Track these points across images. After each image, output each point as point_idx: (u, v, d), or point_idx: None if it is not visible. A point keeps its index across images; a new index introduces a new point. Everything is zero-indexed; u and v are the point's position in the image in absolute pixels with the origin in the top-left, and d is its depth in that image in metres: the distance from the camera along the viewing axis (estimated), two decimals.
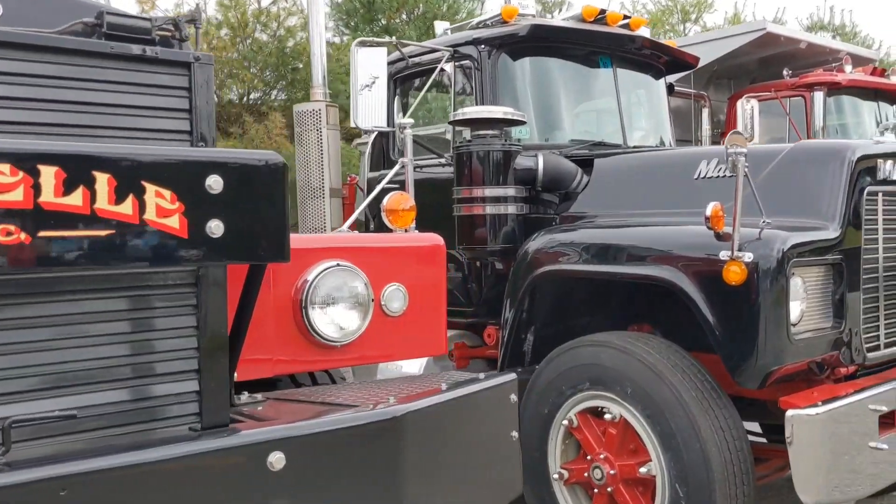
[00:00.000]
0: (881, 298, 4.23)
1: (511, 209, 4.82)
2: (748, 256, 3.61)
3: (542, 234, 4.58)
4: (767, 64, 10.12)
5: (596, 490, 4.19)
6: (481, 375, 2.46)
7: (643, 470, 3.94)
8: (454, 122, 4.86)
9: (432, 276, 2.69)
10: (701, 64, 9.66)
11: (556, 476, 4.35)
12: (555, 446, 4.41)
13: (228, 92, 14.71)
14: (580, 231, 4.51)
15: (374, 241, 2.67)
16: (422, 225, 5.46)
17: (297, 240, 2.26)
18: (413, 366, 5.24)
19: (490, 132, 4.79)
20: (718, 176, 4.40)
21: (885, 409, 3.85)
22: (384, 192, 5.89)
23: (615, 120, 5.68)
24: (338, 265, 2.44)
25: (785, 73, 9.43)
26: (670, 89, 9.43)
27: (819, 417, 3.53)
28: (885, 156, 4.25)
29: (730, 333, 3.70)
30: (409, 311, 2.60)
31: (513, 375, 2.49)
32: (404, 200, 2.97)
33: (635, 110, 6.04)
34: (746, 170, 3.68)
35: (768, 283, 3.60)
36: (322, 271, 2.41)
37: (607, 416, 4.09)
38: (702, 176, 4.44)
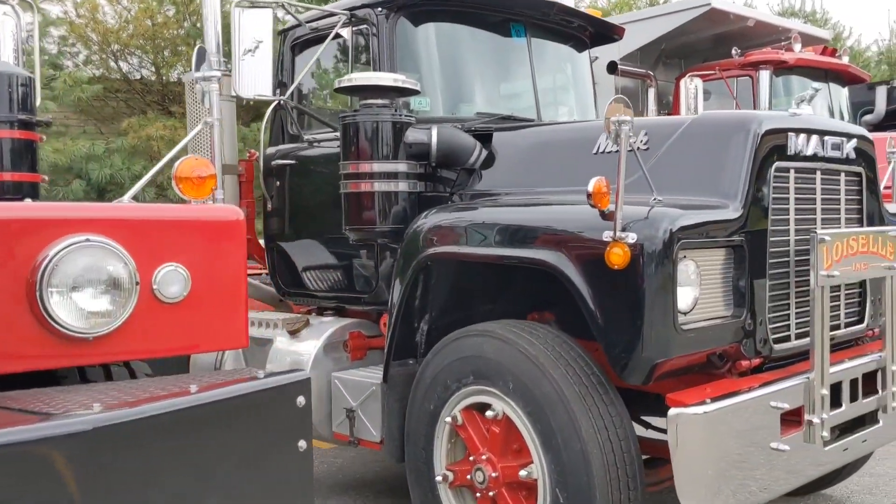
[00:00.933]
0: (792, 285, 3.88)
1: (402, 186, 4.42)
2: (631, 237, 3.24)
3: (430, 214, 4.19)
4: (720, 44, 9.76)
5: (479, 494, 3.82)
6: (261, 373, 2.07)
7: (524, 473, 3.57)
8: (339, 90, 4.45)
9: (226, 256, 2.28)
10: (646, 41, 9.33)
11: (440, 478, 3.98)
12: (441, 445, 4.04)
13: (171, 70, 14.17)
14: (467, 211, 4.12)
15: (144, 212, 2.26)
16: (318, 206, 5.10)
17: (36, 208, 1.85)
18: (302, 356, 4.85)
19: (378, 102, 4.38)
20: (618, 150, 4.01)
21: (787, 406, 3.50)
22: (271, 168, 5.51)
23: (529, 94, 5.28)
24: (87, 240, 2.03)
25: (734, 52, 9.09)
26: (612, 67, 9.06)
27: (705, 417, 3.18)
28: (798, 130, 3.89)
29: (611, 322, 3.33)
30: (192, 296, 2.20)
31: (301, 374, 2.10)
32: (200, 166, 2.56)
33: (554, 84, 5.65)
34: (632, 142, 3.30)
35: (653, 266, 3.23)
36: (66, 248, 2.00)
37: (489, 414, 3.72)
38: (601, 150, 4.07)
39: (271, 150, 5.46)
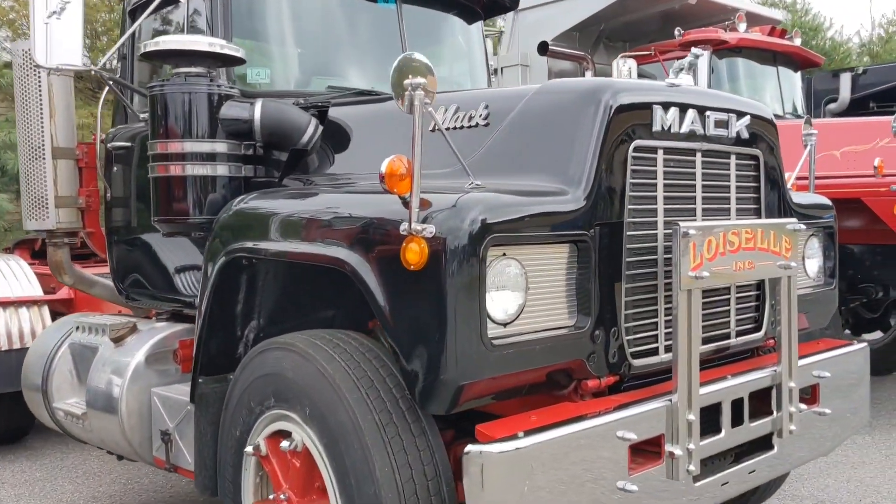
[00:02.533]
0: (661, 288, 3.25)
1: (222, 170, 3.77)
2: (430, 230, 2.60)
3: (233, 203, 3.54)
4: (669, 25, 9.09)
5: None
6: None
7: None
8: (146, 57, 3.79)
9: None
10: (578, 20, 8.68)
11: None
12: (248, 478, 3.40)
13: (101, 55, 13.43)
14: (269, 199, 3.47)
15: None
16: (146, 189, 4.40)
17: None
18: (122, 367, 4.20)
19: (192, 70, 3.72)
20: (457, 127, 3.37)
21: (635, 436, 2.86)
22: (108, 152, 4.85)
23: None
24: None
25: (676, 32, 8.44)
26: (543, 47, 8.42)
27: (511, 456, 2.53)
28: (667, 103, 3.25)
29: (406, 336, 2.69)
30: None
31: None
32: None
33: (436, 58, 4.98)
34: (430, 110, 2.66)
35: (457, 266, 2.59)
36: None
37: (284, 445, 3.07)
38: (437, 127, 3.41)
39: (112, 131, 4.80)
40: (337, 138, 3.80)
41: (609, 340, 3.05)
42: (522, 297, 2.78)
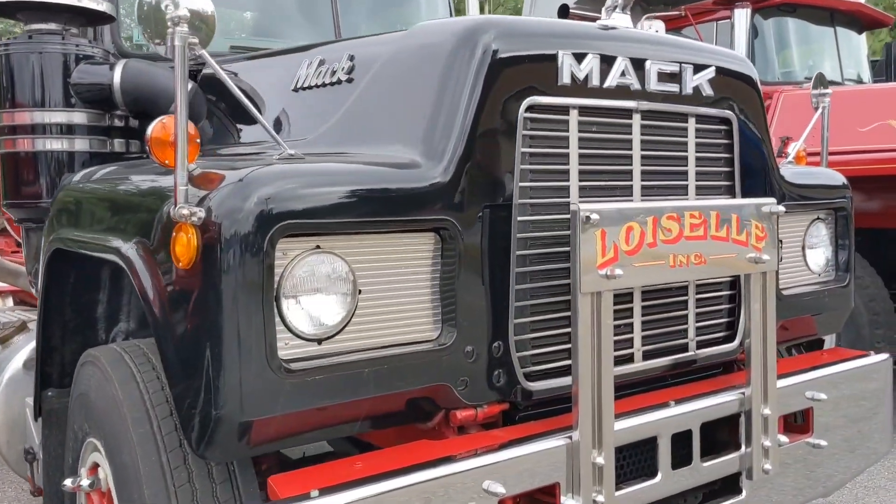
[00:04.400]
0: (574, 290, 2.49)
1: (81, 144, 3.19)
2: (199, 215, 1.94)
3: (74, 178, 2.95)
4: None
5: None
6: None
7: None
8: None
9: None
10: None
11: None
12: None
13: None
14: (101, 174, 2.85)
15: None
16: None
17: None
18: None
19: (43, 27, 3.15)
20: (318, 84, 2.69)
21: (503, 491, 2.14)
22: None
23: (327, 22, 3.96)
24: None
25: None
26: (563, 10, 7.58)
27: None
28: (581, 51, 2.49)
29: (175, 355, 2.03)
30: None
31: None
32: None
33: (381, 17, 4.30)
34: (203, 54, 2.00)
35: (234, 262, 1.92)
36: None
37: (84, 484, 2.48)
38: (300, 85, 2.74)
39: None
40: (220, 104, 3.16)
41: (491, 358, 2.33)
42: (348, 303, 2.09)
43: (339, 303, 2.06)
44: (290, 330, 2.00)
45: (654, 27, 4.13)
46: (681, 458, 2.63)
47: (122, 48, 3.58)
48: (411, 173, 2.18)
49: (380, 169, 2.16)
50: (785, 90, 6.70)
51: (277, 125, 2.76)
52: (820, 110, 3.66)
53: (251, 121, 2.99)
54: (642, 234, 2.41)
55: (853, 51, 8.06)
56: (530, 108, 2.38)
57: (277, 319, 1.97)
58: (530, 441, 2.31)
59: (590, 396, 2.31)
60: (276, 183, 1.97)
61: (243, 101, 2.14)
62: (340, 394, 2.05)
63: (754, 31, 7.22)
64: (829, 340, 6.06)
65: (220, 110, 3.13)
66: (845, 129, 6.30)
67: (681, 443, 2.65)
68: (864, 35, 8.23)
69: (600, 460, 2.32)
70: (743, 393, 2.79)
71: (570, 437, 2.31)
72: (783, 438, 2.86)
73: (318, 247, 2.04)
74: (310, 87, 2.68)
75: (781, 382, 2.95)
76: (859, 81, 7.96)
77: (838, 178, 3.49)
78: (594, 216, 2.25)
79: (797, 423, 3.13)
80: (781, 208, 2.79)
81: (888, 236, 6.43)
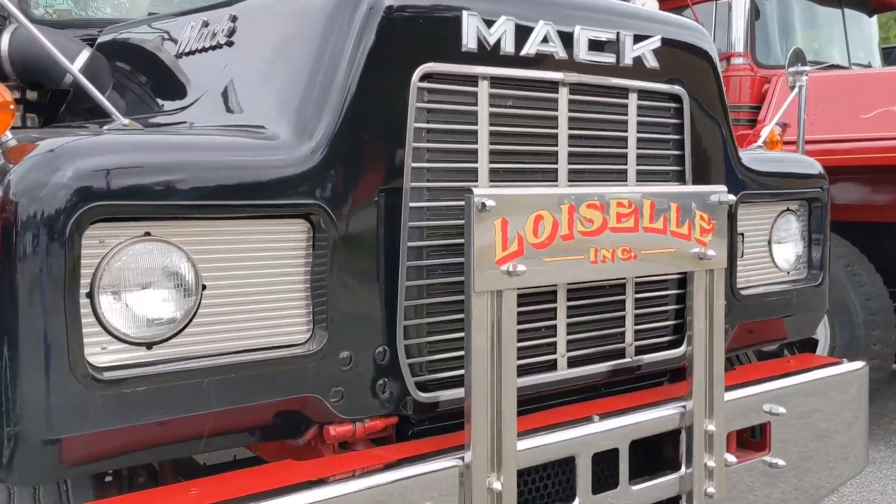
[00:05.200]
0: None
1: None
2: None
3: None
4: None
5: None
6: None
7: None
8: None
9: None
10: None
11: None
12: None
13: None
14: None
15: None
16: None
17: None
18: None
19: None
20: (199, 49, 2.38)
21: None
22: None
23: None
24: None
25: None
26: None
27: None
28: (492, 11, 2.16)
29: None
30: None
31: None
32: None
33: None
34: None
35: (30, 249, 1.61)
36: None
37: None
38: (183, 50, 2.43)
39: None
40: (99, 73, 2.86)
41: (374, 366, 2.02)
42: (187, 301, 1.78)
43: (174, 301, 1.76)
44: (109, 332, 1.70)
45: (646, 4, 3.80)
46: (612, 480, 2.32)
47: (30, 13, 3.28)
48: (272, 150, 1.87)
49: (232, 143, 1.85)
50: (782, 74, 6.30)
51: (159, 94, 2.46)
52: (796, 90, 3.30)
53: (155, 88, 2.69)
54: (555, 225, 2.08)
55: (863, 34, 7.63)
56: (427, 77, 2.06)
57: (91, 320, 1.66)
58: (418, 462, 1.99)
59: (486, 411, 1.99)
60: (95, 156, 1.66)
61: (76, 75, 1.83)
62: (173, 407, 1.75)
63: (755, 12, 6.82)
64: (823, 343, 5.69)
65: (128, 78, 2.82)
66: (846, 116, 5.91)
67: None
68: (875, 18, 7.79)
69: (497, 485, 2.00)
70: (684, 406, 2.46)
71: (462, 459, 1.99)
72: (731, 458, 2.53)
73: (147, 234, 1.73)
74: (191, 53, 2.37)
75: (734, 394, 2.62)
76: (869, 68, 7.54)
77: (813, 166, 3.13)
78: (490, 202, 1.93)
79: (756, 439, 2.79)
80: (731, 197, 2.45)
81: (890, 231, 6.04)
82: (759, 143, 3.19)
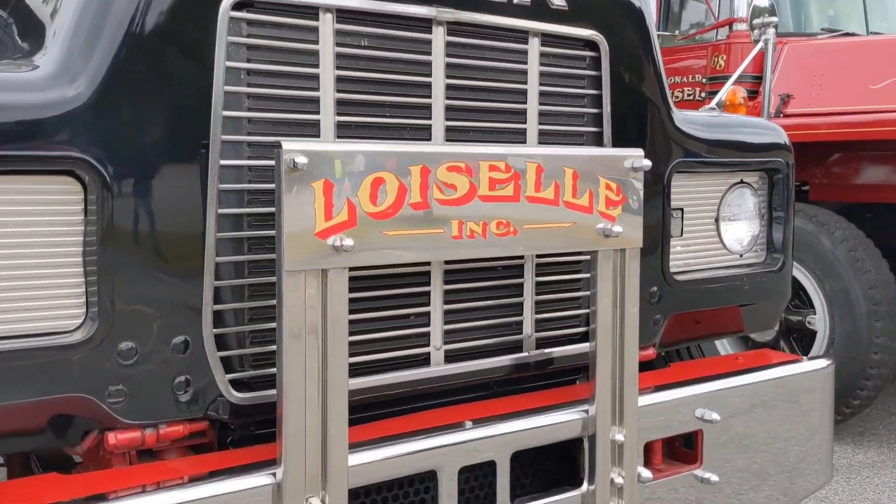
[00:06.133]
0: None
1: None
2: None
3: None
4: None
5: None
6: None
7: None
8: None
9: None
10: None
11: None
12: None
13: None
14: None
15: None
16: None
17: None
18: None
19: None
20: None
21: None
22: None
23: None
24: None
25: None
26: None
27: None
28: None
29: None
30: None
31: None
32: None
33: None
34: None
35: None
36: None
37: None
38: None
39: None
40: None
41: (169, 360, 1.65)
42: None
43: None
44: None
45: None
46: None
47: None
48: (22, 88, 1.50)
49: None
50: (790, 41, 5.80)
51: None
52: (761, 44, 2.85)
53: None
54: (401, 191, 1.69)
55: (884, 2, 7.05)
56: (243, 5, 1.68)
57: None
58: (226, 477, 1.63)
59: (303, 418, 1.62)
60: None
61: None
62: None
63: None
64: (821, 335, 5.22)
65: None
66: (853, 87, 5.40)
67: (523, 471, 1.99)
68: None
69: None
70: (587, 411, 2.06)
71: (274, 475, 1.62)
72: (646, 473, 2.13)
73: None
74: None
75: (657, 397, 2.22)
76: None
77: (774, 133, 2.70)
78: (301, 159, 1.55)
79: (689, 449, 2.39)
80: (646, 163, 2.04)
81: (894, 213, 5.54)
82: (713, 104, 2.76)
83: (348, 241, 1.61)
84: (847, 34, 6.23)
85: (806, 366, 2.57)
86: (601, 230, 2.00)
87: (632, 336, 2.09)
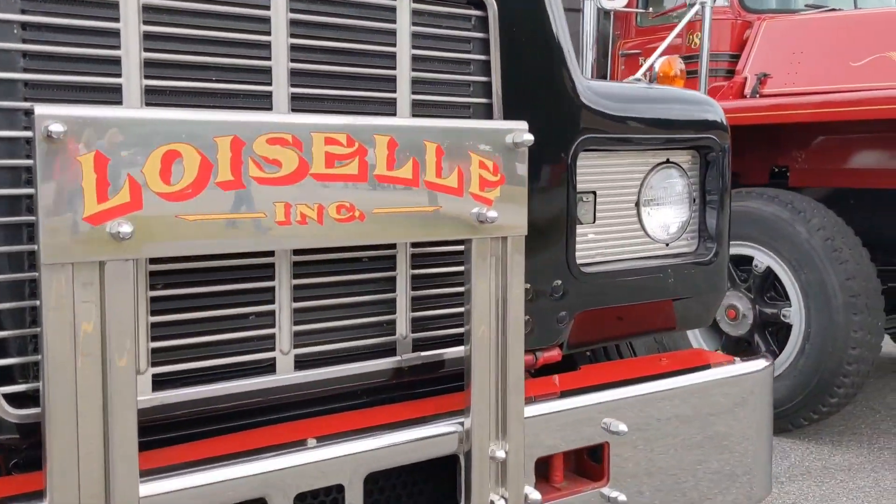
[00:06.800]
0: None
1: None
2: None
3: None
4: None
5: None
6: None
7: None
8: None
9: None
10: None
11: None
12: None
13: None
14: None
15: None
16: None
17: None
18: None
19: None
20: None
21: None
22: None
23: None
24: None
25: None
26: None
27: None
28: None
29: None
30: None
31: None
32: None
33: None
34: None
35: None
36: None
37: None
38: None
39: None
40: None
41: None
42: None
43: None
44: None
45: None
46: None
47: None
48: None
49: None
50: (767, 18, 5.48)
51: None
52: (696, 8, 2.55)
53: None
54: (205, 166, 1.41)
55: None
56: None
57: None
58: None
59: (74, 440, 1.35)
60: None
61: None
62: None
63: None
64: (797, 329, 4.93)
65: None
66: (833, 64, 5.09)
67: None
68: None
69: None
70: (461, 424, 1.79)
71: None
72: (534, 494, 1.86)
73: None
74: None
75: (553, 405, 1.95)
76: None
77: (707, 107, 2.40)
78: (57, 128, 1.27)
79: (598, 463, 2.11)
80: (528, 137, 1.76)
81: (883, 199, 5.22)
82: (638, 75, 2.48)
83: (125, 228, 1.33)
84: (832, 10, 5.90)
85: (738, 368, 2.29)
86: (475, 215, 1.72)
87: (516, 337, 1.81)
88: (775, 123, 5.17)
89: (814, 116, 4.89)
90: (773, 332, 5.19)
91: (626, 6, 3.98)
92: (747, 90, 5.28)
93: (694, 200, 2.39)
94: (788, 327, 4.97)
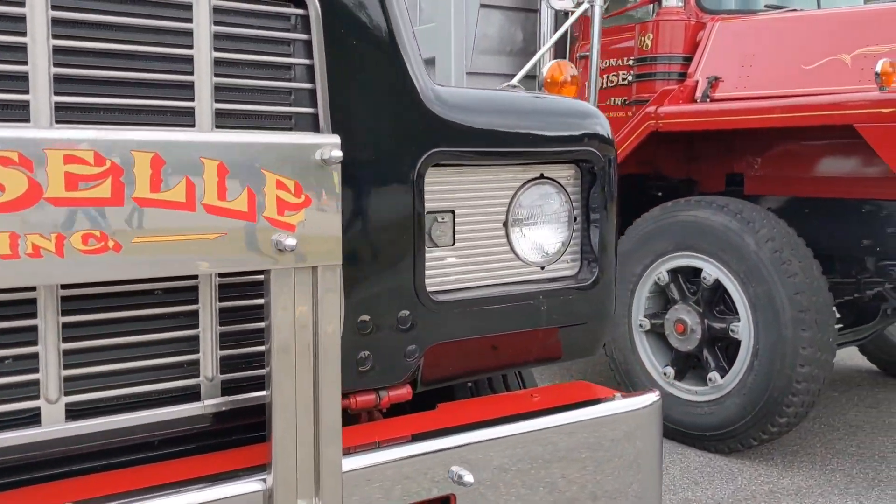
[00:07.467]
0: None
1: None
2: None
3: None
4: None
5: None
6: None
7: None
8: None
9: None
10: None
11: None
12: None
13: None
14: None
15: None
16: None
17: None
18: None
19: None
20: None
21: None
22: None
23: None
24: None
25: None
26: None
27: None
28: None
29: None
30: None
31: None
32: None
33: None
34: None
35: None
36: None
37: None
38: None
39: None
40: None
41: None
42: None
43: None
44: None
45: None
46: None
47: None
48: None
49: None
50: (720, 19, 5.26)
51: None
52: (580, 10, 2.32)
53: None
54: None
55: None
56: None
57: None
58: None
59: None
60: None
61: None
62: None
63: None
64: (745, 345, 4.70)
65: None
66: (785, 68, 4.87)
67: None
68: None
69: None
70: (264, 482, 1.56)
71: None
72: None
73: None
74: None
75: (384, 455, 1.72)
76: None
77: (588, 118, 2.18)
78: None
79: None
80: (337, 154, 1.53)
81: (840, 208, 5.00)
82: (514, 81, 2.25)
83: None
84: (791, 10, 5.68)
85: (618, 406, 2.07)
86: (275, 243, 1.50)
87: (330, 380, 1.59)
88: (726, 129, 4.96)
89: (761, 122, 4.68)
90: (722, 348, 4.97)
91: (575, 7, 3.76)
92: (698, 94, 5.06)
93: (575, 219, 2.17)
94: (738, 343, 4.75)
